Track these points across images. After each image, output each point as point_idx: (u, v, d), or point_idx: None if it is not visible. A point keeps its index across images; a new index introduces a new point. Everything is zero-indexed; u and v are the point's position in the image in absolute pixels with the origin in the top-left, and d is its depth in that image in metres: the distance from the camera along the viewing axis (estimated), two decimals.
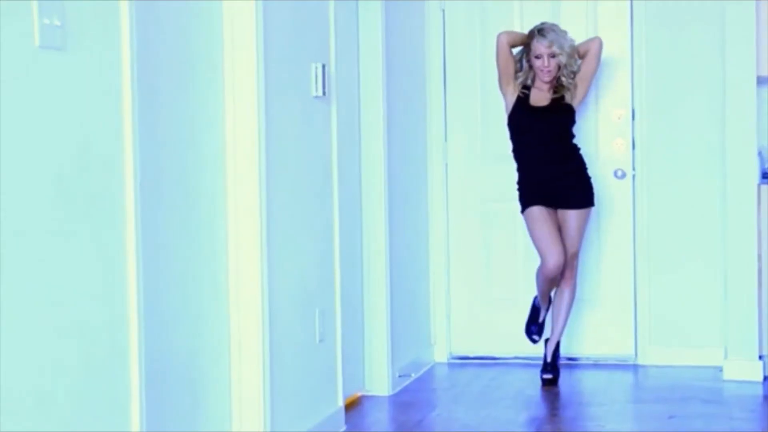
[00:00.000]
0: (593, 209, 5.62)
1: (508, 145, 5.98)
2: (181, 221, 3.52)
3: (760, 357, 5.51)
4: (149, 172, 3.17)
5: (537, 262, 5.61)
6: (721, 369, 5.58)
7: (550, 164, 5.48)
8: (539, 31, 5.41)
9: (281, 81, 4.06)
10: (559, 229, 5.51)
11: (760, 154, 5.63)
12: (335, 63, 4.55)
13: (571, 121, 5.54)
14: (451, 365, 6.06)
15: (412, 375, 5.64)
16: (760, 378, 5.46)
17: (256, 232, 3.85)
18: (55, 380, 2.68)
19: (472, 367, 5.96)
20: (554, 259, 5.42)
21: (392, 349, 5.31)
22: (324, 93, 4.39)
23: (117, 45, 2.96)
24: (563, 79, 5.44)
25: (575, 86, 5.49)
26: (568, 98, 5.49)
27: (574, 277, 5.58)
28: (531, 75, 5.49)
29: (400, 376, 5.43)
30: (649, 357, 5.94)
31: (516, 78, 5.49)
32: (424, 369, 5.88)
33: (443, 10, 6.05)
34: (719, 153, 5.65)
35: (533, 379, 5.58)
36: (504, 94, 5.54)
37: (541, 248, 5.47)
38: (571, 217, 5.51)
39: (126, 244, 2.99)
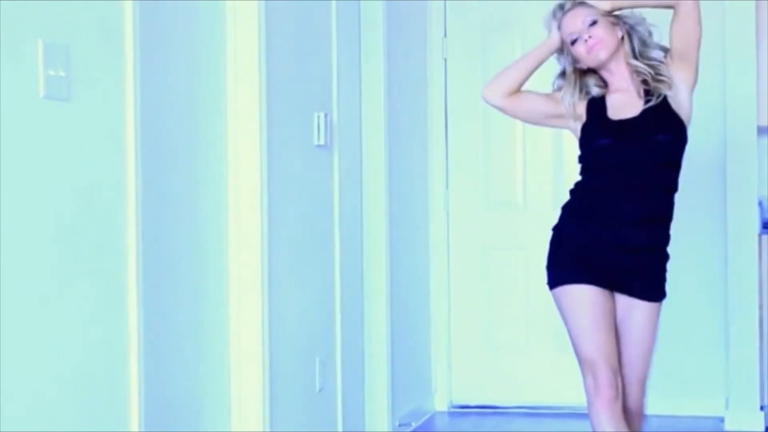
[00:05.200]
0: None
1: (510, 193, 6.02)
2: (183, 268, 3.52)
3: (762, 408, 5.49)
4: (152, 220, 3.18)
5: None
6: (722, 419, 5.56)
7: (630, 223, 3.47)
8: (560, 9, 3.56)
9: (284, 130, 4.08)
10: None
11: (760, 204, 5.64)
12: (337, 112, 4.57)
13: (683, 142, 3.50)
14: (451, 414, 6.03)
15: (413, 424, 5.61)
16: (762, 429, 5.43)
17: (258, 280, 3.85)
18: (60, 419, 2.68)
19: (473, 416, 5.93)
20: (609, 366, 3.39)
21: (392, 398, 5.29)
22: (326, 142, 4.41)
23: (121, 95, 2.98)
24: (638, 59, 3.48)
25: (666, 66, 3.49)
26: (670, 95, 3.47)
27: (641, 410, 3.69)
28: (591, 80, 3.56)
29: (400, 425, 5.41)
30: (650, 406, 5.85)
31: (561, 98, 3.57)
32: (425, 418, 5.85)
33: (445, 59, 6.07)
34: (720, 203, 5.65)
35: (534, 430, 5.55)
36: (567, 127, 3.64)
37: (584, 350, 3.42)
38: (640, 311, 3.52)
39: (128, 291, 3.00)
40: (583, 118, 3.54)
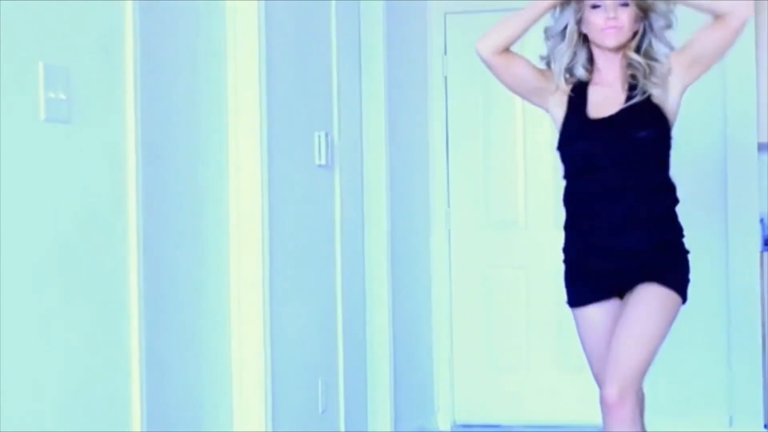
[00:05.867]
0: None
1: (512, 211, 6.02)
2: (184, 289, 3.51)
3: (765, 425, 5.48)
4: (153, 239, 3.18)
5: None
6: None
7: (622, 226, 3.29)
8: None
9: (285, 150, 4.08)
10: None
11: (761, 221, 5.64)
12: (338, 131, 4.57)
13: (666, 138, 3.37)
14: None
15: None
16: None
17: (259, 301, 3.84)
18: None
19: None
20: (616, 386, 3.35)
21: (395, 418, 5.27)
22: (327, 161, 4.41)
23: (122, 116, 2.98)
24: (640, 53, 3.31)
25: (669, 71, 3.31)
26: (656, 93, 3.31)
27: (638, 402, 3.48)
28: (582, 54, 3.38)
29: None
30: (653, 425, 5.86)
31: (553, 68, 3.39)
32: None
33: (446, 77, 6.07)
34: (721, 220, 5.65)
35: None
36: (546, 109, 3.48)
37: (594, 367, 3.47)
38: (639, 296, 3.26)
39: (129, 311, 3.00)
40: (563, 105, 3.37)
